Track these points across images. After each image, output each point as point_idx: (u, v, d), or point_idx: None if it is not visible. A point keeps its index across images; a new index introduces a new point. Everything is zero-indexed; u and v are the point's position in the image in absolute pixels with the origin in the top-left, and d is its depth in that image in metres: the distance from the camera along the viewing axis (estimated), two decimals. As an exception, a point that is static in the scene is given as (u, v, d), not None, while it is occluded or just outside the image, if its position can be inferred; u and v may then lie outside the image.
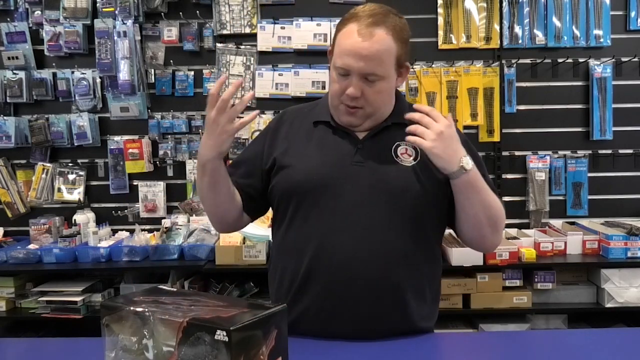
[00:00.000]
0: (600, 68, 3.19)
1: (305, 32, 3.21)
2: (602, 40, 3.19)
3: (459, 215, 1.40)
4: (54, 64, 3.28)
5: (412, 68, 3.20)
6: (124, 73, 3.15)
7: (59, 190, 3.30)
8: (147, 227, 3.25)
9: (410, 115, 1.33)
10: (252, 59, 3.27)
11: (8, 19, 3.25)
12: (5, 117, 3.24)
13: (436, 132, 1.29)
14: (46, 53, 3.25)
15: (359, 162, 1.41)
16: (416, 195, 1.38)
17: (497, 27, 3.21)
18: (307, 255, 1.40)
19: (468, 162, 1.31)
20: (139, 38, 3.24)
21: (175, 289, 1.32)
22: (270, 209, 1.57)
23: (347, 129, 1.45)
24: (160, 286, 1.20)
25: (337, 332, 1.35)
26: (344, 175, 1.40)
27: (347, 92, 1.37)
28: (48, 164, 3.30)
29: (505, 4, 3.20)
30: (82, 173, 3.32)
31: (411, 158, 1.41)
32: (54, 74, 3.28)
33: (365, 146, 1.43)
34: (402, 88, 3.18)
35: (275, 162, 1.48)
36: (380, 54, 1.35)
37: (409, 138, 1.31)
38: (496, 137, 3.22)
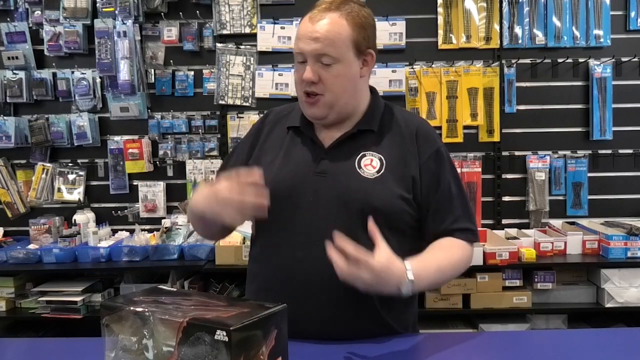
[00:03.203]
0: (600, 68, 3.18)
1: (305, 32, 3.20)
2: (602, 40, 3.19)
3: None
4: (54, 64, 3.28)
5: (412, 68, 3.20)
6: (124, 73, 3.15)
7: (59, 190, 3.31)
8: (147, 227, 3.25)
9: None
10: (252, 59, 3.27)
11: (8, 19, 3.25)
12: (5, 117, 3.24)
13: (365, 283, 1.19)
14: (46, 53, 3.25)
15: (321, 173, 1.38)
16: (375, 209, 1.33)
17: (497, 27, 3.21)
18: (270, 267, 1.40)
19: (406, 287, 1.22)
20: (139, 38, 3.24)
21: (175, 289, 1.32)
22: None
23: (314, 136, 1.43)
24: (160, 286, 1.20)
25: (311, 335, 1.33)
26: (306, 186, 1.38)
27: (303, 76, 1.36)
28: (48, 164, 3.30)
29: (505, 4, 3.20)
30: (82, 173, 3.32)
31: (374, 170, 1.38)
32: (54, 74, 3.29)
33: (330, 155, 1.40)
34: (402, 88, 3.18)
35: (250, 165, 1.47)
36: (331, 34, 1.34)
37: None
38: (496, 137, 3.22)
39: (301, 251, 1.36)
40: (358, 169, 1.38)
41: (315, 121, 1.44)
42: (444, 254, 1.39)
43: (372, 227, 1.24)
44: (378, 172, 1.38)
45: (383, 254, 1.20)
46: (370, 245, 1.27)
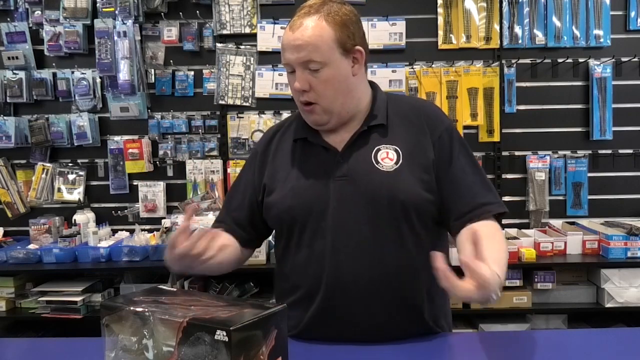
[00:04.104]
0: (600, 68, 3.18)
1: (305, 32, 3.20)
2: (602, 40, 3.19)
3: None
4: (54, 64, 3.28)
5: (412, 68, 3.20)
6: (124, 73, 3.15)
7: (59, 190, 3.31)
8: (147, 227, 3.25)
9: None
10: (252, 59, 3.27)
11: (8, 19, 3.25)
12: (5, 117, 3.24)
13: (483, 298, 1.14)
14: (46, 53, 3.25)
15: (341, 177, 1.37)
16: (403, 200, 1.33)
17: (497, 27, 3.21)
18: (306, 282, 1.39)
19: (497, 295, 1.17)
20: (139, 38, 3.24)
21: (175, 289, 1.32)
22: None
23: (326, 143, 1.42)
24: (160, 286, 1.20)
25: (352, 338, 1.34)
26: (329, 192, 1.36)
27: (294, 86, 1.35)
28: (48, 164, 3.30)
29: (505, 4, 3.20)
30: (82, 173, 3.32)
31: (393, 162, 1.37)
32: (54, 74, 3.29)
33: (345, 158, 1.39)
34: (402, 88, 3.18)
35: (265, 189, 1.45)
36: (313, 39, 1.32)
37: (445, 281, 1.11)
38: (496, 137, 3.22)
39: (336, 259, 1.34)
40: (376, 164, 1.36)
41: (318, 128, 1.43)
42: (498, 244, 1.31)
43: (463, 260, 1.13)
44: (396, 163, 1.36)
45: (487, 268, 1.11)
46: (397, 238, 1.29)
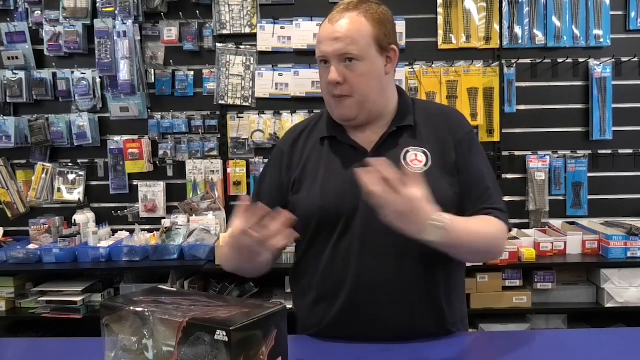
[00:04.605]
0: (600, 68, 3.19)
1: (305, 32, 3.21)
2: (602, 40, 3.19)
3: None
4: (53, 64, 3.28)
5: (412, 68, 3.20)
6: (123, 73, 3.15)
7: (59, 190, 3.30)
8: (147, 227, 3.25)
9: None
10: (252, 59, 3.27)
11: (8, 19, 3.25)
12: (5, 117, 3.24)
13: (395, 212, 1.16)
14: (46, 53, 3.25)
15: None
16: (433, 202, 1.33)
17: (497, 27, 3.21)
18: (330, 280, 1.39)
19: (434, 231, 1.19)
20: (139, 38, 3.24)
21: (175, 289, 1.32)
22: None
23: (354, 142, 1.42)
24: (160, 286, 1.20)
25: (373, 338, 1.34)
26: (358, 193, 1.34)
27: (329, 78, 1.35)
28: (48, 164, 3.30)
29: (505, 4, 3.20)
30: (82, 173, 3.32)
31: (422, 164, 1.38)
32: (54, 74, 3.28)
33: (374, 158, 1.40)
34: (402, 88, 3.18)
35: (294, 185, 1.45)
36: (351, 32, 1.33)
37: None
38: (496, 137, 3.22)
39: (360, 258, 1.35)
40: (406, 166, 1.37)
41: (345, 123, 1.43)
42: (481, 223, 1.35)
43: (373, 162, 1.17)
44: (425, 165, 1.37)
45: (419, 190, 1.16)
46: (425, 246, 1.25)
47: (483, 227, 1.35)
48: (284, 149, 1.51)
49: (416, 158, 1.38)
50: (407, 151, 1.39)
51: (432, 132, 1.43)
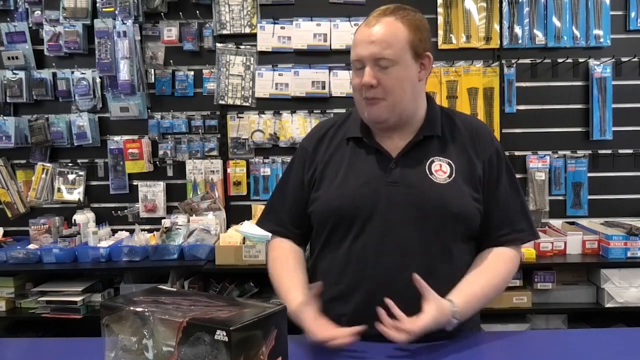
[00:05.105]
0: (600, 68, 3.18)
1: (305, 32, 3.21)
2: (602, 40, 3.19)
3: None
4: (53, 64, 3.28)
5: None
6: (123, 73, 3.15)
7: (59, 190, 3.30)
8: (147, 227, 3.25)
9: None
10: (252, 59, 3.27)
11: (8, 19, 3.25)
12: (5, 117, 3.24)
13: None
14: (46, 53, 3.25)
15: (392, 182, 1.38)
16: (452, 213, 1.36)
17: (497, 27, 3.21)
18: (345, 279, 1.40)
19: (452, 326, 1.30)
20: (139, 38, 3.24)
21: (175, 289, 1.32)
22: None
23: (380, 147, 1.43)
24: (160, 286, 1.20)
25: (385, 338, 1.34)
26: (378, 196, 1.38)
27: (363, 81, 1.36)
28: (48, 164, 3.30)
29: (505, 4, 3.20)
30: (82, 173, 3.32)
31: (446, 175, 1.39)
32: (54, 74, 3.29)
33: (399, 164, 1.40)
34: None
35: (315, 181, 1.47)
36: (387, 37, 1.34)
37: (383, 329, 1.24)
38: (496, 137, 3.22)
39: (379, 260, 1.36)
40: (430, 175, 1.38)
41: (375, 126, 1.43)
42: (487, 278, 1.40)
43: (419, 282, 1.27)
44: (449, 176, 1.39)
45: (432, 307, 1.25)
46: (443, 253, 1.34)
47: (492, 279, 1.40)
48: (309, 147, 1.52)
49: (441, 169, 1.40)
50: (432, 161, 1.40)
51: (458, 145, 1.44)
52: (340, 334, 1.26)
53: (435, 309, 1.25)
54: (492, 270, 1.41)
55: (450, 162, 1.40)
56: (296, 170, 1.54)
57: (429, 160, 1.40)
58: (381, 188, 1.38)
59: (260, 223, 1.62)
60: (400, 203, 1.37)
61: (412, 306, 1.34)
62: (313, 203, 1.45)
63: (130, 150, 3.26)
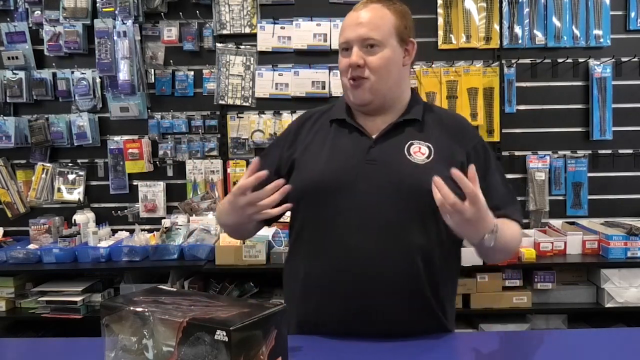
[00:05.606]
0: (600, 68, 3.19)
1: (305, 32, 3.21)
2: (602, 40, 3.19)
3: (475, 249, 1.36)
4: (53, 64, 3.28)
5: (412, 68, 3.19)
6: (123, 73, 3.15)
7: (59, 190, 3.31)
8: (147, 227, 3.25)
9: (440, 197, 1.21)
10: (252, 59, 3.27)
11: (8, 19, 3.25)
12: (5, 117, 3.24)
13: (464, 218, 1.20)
14: (46, 53, 3.25)
15: (372, 161, 1.41)
16: (429, 193, 1.33)
17: (497, 27, 3.21)
18: (324, 256, 1.40)
19: (490, 237, 1.25)
20: (139, 38, 3.24)
21: (175, 289, 1.32)
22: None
23: (362, 127, 1.46)
24: (160, 286, 1.20)
25: (362, 332, 1.35)
26: (357, 174, 1.40)
27: (350, 60, 1.40)
28: (48, 164, 3.30)
29: (505, 4, 3.20)
30: (82, 173, 3.32)
31: (424, 156, 1.41)
32: (54, 74, 3.29)
33: (378, 144, 1.43)
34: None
35: (293, 164, 1.49)
36: (374, 19, 1.41)
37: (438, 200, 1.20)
38: (496, 137, 3.22)
39: (355, 240, 1.36)
40: (408, 156, 1.41)
41: (359, 108, 1.47)
42: (510, 225, 1.41)
43: (456, 173, 1.20)
44: (427, 157, 1.41)
45: (482, 198, 1.20)
46: (420, 232, 1.35)
47: (513, 229, 1.42)
48: (293, 128, 1.58)
49: (419, 150, 1.42)
50: (412, 143, 1.43)
51: (440, 132, 1.46)
52: (248, 182, 1.30)
53: (484, 200, 1.21)
54: (508, 223, 1.41)
55: (430, 145, 1.43)
56: (275, 147, 1.57)
57: (408, 142, 1.43)
58: (360, 166, 1.41)
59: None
60: (378, 181, 1.39)
61: (392, 283, 1.36)
62: (295, 180, 1.46)
63: (130, 150, 3.26)
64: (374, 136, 1.45)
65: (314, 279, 1.42)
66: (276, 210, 1.32)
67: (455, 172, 1.19)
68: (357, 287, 1.36)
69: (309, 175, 1.44)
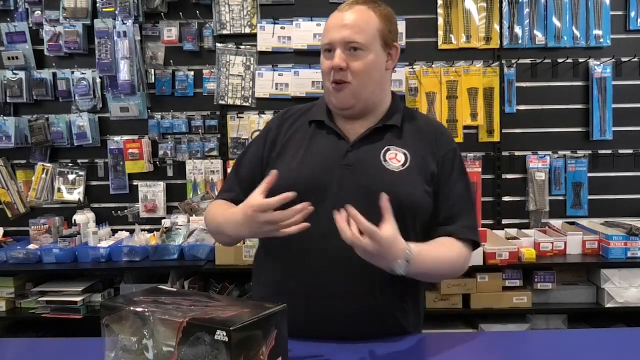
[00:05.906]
0: (600, 68, 3.19)
1: (305, 32, 3.21)
2: (601, 40, 3.19)
3: None
4: (53, 64, 3.28)
5: (412, 68, 3.20)
6: (123, 73, 3.15)
7: (59, 190, 3.30)
8: (147, 227, 3.25)
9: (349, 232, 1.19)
10: (252, 59, 3.27)
11: (8, 19, 3.25)
12: (5, 117, 3.24)
13: (367, 251, 1.19)
14: (46, 53, 3.25)
15: (347, 165, 1.40)
16: (400, 201, 1.33)
17: (497, 27, 3.21)
18: (291, 258, 1.40)
19: (401, 267, 1.23)
20: (139, 38, 3.24)
21: (175, 289, 1.32)
22: None
23: (340, 130, 1.45)
24: (160, 286, 1.20)
25: (326, 334, 1.34)
26: (331, 177, 1.39)
27: (332, 63, 1.39)
28: (48, 164, 3.30)
29: (505, 4, 3.20)
30: (82, 173, 3.32)
31: (399, 163, 1.41)
32: (54, 74, 3.29)
33: (355, 148, 1.43)
34: (402, 88, 3.18)
35: (270, 163, 1.48)
36: (359, 22, 1.39)
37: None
38: (496, 137, 3.22)
39: (323, 243, 1.35)
40: (383, 162, 1.41)
41: (340, 112, 1.46)
42: (445, 250, 1.40)
43: (384, 202, 1.21)
44: (403, 165, 1.41)
45: (390, 228, 1.20)
46: None
47: (447, 253, 1.39)
48: (272, 126, 1.56)
49: (395, 157, 1.42)
50: (388, 149, 1.43)
51: (416, 139, 1.46)
52: (272, 201, 1.25)
53: (393, 231, 1.20)
54: (447, 246, 1.40)
55: (406, 152, 1.42)
56: (256, 146, 1.56)
57: (385, 148, 1.43)
58: (336, 169, 1.40)
59: (216, 197, 1.61)
60: (351, 186, 1.38)
61: (357, 296, 1.36)
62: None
63: (130, 150, 3.26)
64: (351, 140, 1.44)
65: (275, 276, 1.42)
66: (294, 229, 1.25)
67: (382, 201, 1.20)
68: (315, 286, 1.36)
69: (284, 174, 1.40)
